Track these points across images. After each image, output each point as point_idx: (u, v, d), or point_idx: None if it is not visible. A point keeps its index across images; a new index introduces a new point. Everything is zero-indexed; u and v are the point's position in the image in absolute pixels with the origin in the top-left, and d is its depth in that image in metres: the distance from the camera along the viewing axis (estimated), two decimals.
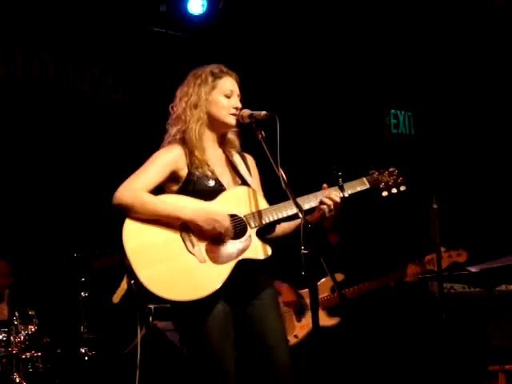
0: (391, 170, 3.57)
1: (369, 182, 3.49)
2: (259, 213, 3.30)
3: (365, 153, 7.19)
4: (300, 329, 5.11)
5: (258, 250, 3.27)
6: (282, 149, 3.13)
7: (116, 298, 3.22)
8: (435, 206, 4.30)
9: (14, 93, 5.97)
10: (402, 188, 3.54)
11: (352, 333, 5.93)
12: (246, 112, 3.37)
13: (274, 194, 3.40)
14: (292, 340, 5.06)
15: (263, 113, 3.30)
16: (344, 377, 5.59)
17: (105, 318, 5.45)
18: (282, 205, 3.31)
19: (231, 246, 3.24)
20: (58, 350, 5.21)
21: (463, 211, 6.92)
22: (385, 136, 7.58)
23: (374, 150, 7.29)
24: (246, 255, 3.24)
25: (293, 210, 3.26)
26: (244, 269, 3.24)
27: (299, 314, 5.15)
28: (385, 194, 3.51)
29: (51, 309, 5.51)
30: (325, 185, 3.40)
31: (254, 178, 3.50)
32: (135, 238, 3.19)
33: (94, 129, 6.16)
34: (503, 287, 4.84)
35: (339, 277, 5.07)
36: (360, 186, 3.46)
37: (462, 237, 6.43)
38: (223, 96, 3.40)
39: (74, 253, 5.11)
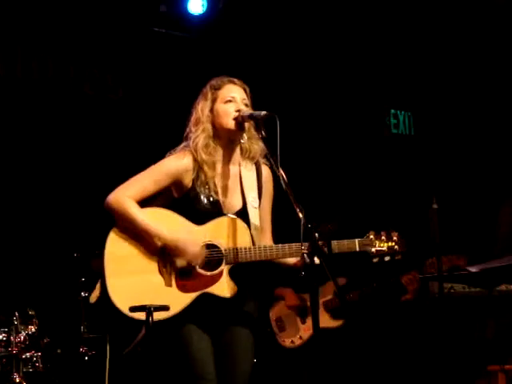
0: (393, 234, 3.53)
1: (359, 246, 3.43)
2: (240, 250, 3.30)
3: (365, 153, 7.20)
4: (304, 330, 5.19)
5: (224, 287, 3.28)
6: (282, 149, 3.13)
7: (92, 299, 3.29)
8: (435, 206, 4.30)
9: (14, 93, 5.97)
10: (398, 257, 3.50)
11: (352, 333, 5.93)
12: (246, 112, 3.36)
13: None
14: (297, 341, 5.17)
15: (263, 113, 3.30)
16: (344, 377, 5.59)
17: (105, 318, 5.45)
18: (267, 247, 3.33)
19: (200, 278, 3.26)
20: (58, 350, 5.21)
21: (463, 211, 6.92)
22: (385, 136, 7.58)
23: (374, 150, 7.29)
24: (211, 290, 3.27)
25: (275, 257, 3.31)
26: (209, 302, 3.27)
27: (303, 316, 5.22)
28: (375, 260, 3.48)
29: (51, 309, 5.51)
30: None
31: (263, 196, 3.49)
32: (116, 245, 3.26)
33: (94, 129, 6.16)
34: (503, 287, 4.83)
35: (341, 280, 5.14)
36: (349, 247, 3.42)
37: (462, 237, 6.44)
38: (223, 103, 3.40)
39: (73, 253, 5.11)
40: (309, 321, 5.16)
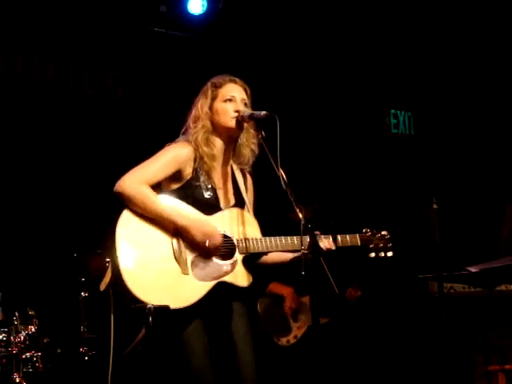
0: (383, 233, 3.61)
1: (361, 241, 3.52)
2: (251, 240, 3.32)
3: (364, 153, 7.20)
4: (298, 329, 5.22)
5: (239, 276, 3.28)
6: (282, 149, 3.13)
7: (102, 286, 3.26)
8: (435, 206, 4.30)
9: (14, 93, 5.97)
10: (389, 254, 3.58)
11: (352, 332, 5.94)
12: (247, 112, 3.37)
13: (271, 196, 3.39)
14: (292, 340, 5.23)
15: (263, 113, 3.30)
16: (344, 377, 5.60)
17: (105, 318, 5.44)
18: (277, 239, 3.34)
19: (216, 266, 3.24)
20: (58, 350, 5.21)
21: (463, 211, 6.92)
22: (385, 136, 7.58)
23: (373, 150, 7.29)
24: (227, 279, 3.26)
25: (284, 248, 3.34)
26: (222, 292, 3.25)
27: (294, 314, 5.24)
28: (372, 255, 3.56)
29: (51, 309, 5.51)
30: (318, 232, 3.37)
31: (249, 199, 3.52)
32: (129, 229, 3.19)
33: (93, 129, 6.16)
34: (503, 287, 4.84)
35: None
36: (352, 241, 3.50)
37: (462, 237, 6.44)
38: (223, 102, 3.40)
39: (73, 253, 5.11)
40: (300, 318, 5.21)
